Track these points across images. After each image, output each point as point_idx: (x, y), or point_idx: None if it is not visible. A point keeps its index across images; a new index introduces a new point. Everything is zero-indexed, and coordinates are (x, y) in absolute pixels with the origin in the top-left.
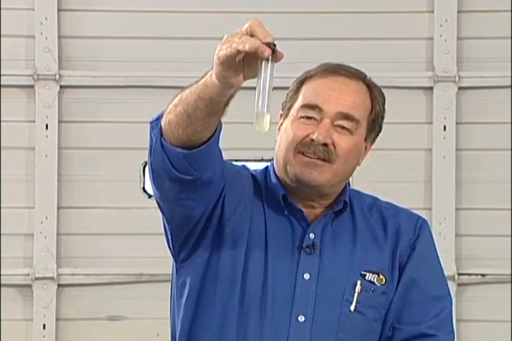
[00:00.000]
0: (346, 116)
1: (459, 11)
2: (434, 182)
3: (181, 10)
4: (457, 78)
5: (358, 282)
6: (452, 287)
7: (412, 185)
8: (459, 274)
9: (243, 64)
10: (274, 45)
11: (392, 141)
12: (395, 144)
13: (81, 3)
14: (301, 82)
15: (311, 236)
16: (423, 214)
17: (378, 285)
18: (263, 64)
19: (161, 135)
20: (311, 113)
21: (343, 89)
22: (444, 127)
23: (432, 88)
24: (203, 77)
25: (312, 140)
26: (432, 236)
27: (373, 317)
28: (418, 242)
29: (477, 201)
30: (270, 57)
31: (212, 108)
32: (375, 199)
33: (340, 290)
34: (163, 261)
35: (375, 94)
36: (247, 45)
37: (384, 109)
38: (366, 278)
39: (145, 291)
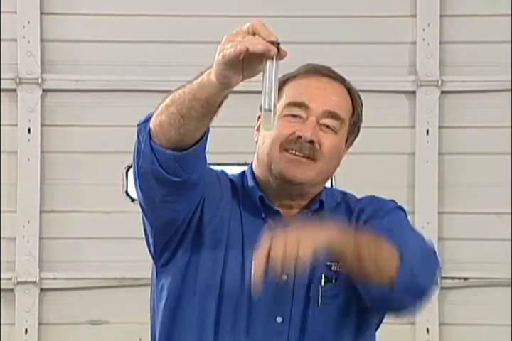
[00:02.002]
0: (332, 115)
1: (441, 15)
2: (417, 186)
3: (165, 13)
4: (440, 82)
5: (323, 275)
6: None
7: (395, 189)
8: (442, 278)
9: (242, 63)
10: (278, 44)
11: (375, 144)
12: (377, 148)
13: (64, 6)
14: (283, 82)
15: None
16: None
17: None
18: (268, 63)
19: (150, 137)
20: (296, 111)
21: (328, 88)
22: (427, 131)
23: (414, 92)
24: (197, 77)
25: (299, 137)
26: (404, 215)
27: (341, 304)
28: (382, 211)
29: (460, 205)
30: (275, 56)
31: (207, 108)
32: (344, 193)
33: (312, 288)
34: (146, 265)
35: (355, 97)
36: (258, 45)
37: (362, 114)
38: (332, 268)
39: (127, 295)
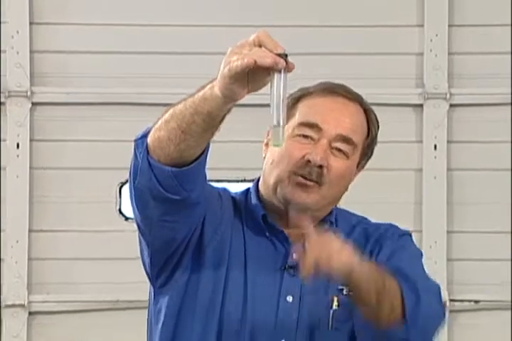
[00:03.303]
0: (345, 139)
1: (450, 25)
2: (425, 203)
3: (160, 23)
4: (448, 95)
5: (335, 298)
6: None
7: (401, 207)
8: (451, 300)
9: (247, 77)
10: (286, 56)
11: (381, 160)
12: (383, 164)
13: (54, 16)
14: (297, 99)
15: (295, 256)
16: (413, 236)
17: None
18: (275, 76)
19: (148, 153)
20: (308, 131)
21: (342, 110)
22: (435, 146)
23: (421, 105)
24: (199, 91)
25: (308, 161)
26: (415, 247)
27: (351, 329)
28: (397, 244)
29: (469, 223)
30: (283, 69)
31: (209, 123)
32: (363, 218)
33: (321, 311)
34: (141, 287)
35: (371, 118)
36: (267, 58)
37: (377, 136)
38: (344, 292)
39: (122, 319)
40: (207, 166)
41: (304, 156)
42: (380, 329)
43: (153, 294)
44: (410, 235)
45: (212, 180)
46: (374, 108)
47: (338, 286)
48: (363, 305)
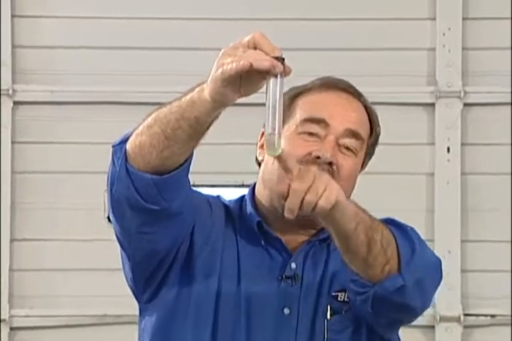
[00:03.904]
0: (354, 134)
1: (464, 18)
2: (437, 210)
3: (153, 16)
4: (462, 93)
5: (328, 307)
6: (458, 329)
7: (411, 214)
8: (466, 315)
9: (240, 80)
10: (283, 59)
11: (389, 164)
12: (392, 168)
13: (38, 8)
14: (295, 96)
15: (293, 266)
16: None
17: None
18: (271, 80)
19: (126, 159)
20: (315, 128)
21: (347, 105)
22: (448, 149)
23: (433, 104)
24: (186, 94)
25: (317, 157)
26: (418, 237)
27: (350, 337)
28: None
29: (485, 232)
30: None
31: (196, 129)
32: None
33: (318, 322)
34: (130, 301)
35: (373, 116)
36: (264, 61)
37: (379, 135)
38: (338, 298)
39: (109, 334)
40: (201, 170)
41: (310, 153)
42: (374, 282)
43: (139, 310)
44: (413, 229)
45: (206, 185)
46: (382, 108)
47: (332, 293)
48: (353, 255)
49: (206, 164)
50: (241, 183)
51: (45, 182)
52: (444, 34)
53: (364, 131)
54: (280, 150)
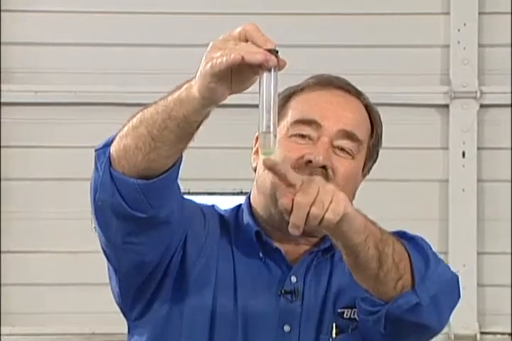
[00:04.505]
0: (349, 135)
1: (480, 13)
2: (451, 220)
3: (144, 11)
4: (478, 94)
5: (334, 325)
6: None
7: (423, 224)
8: (483, 333)
9: (231, 75)
10: (277, 52)
11: (400, 170)
12: (402, 174)
13: (23, 2)
14: (288, 97)
15: (293, 279)
16: None
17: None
18: (265, 75)
19: (110, 164)
20: (306, 130)
21: (343, 103)
22: (463, 153)
23: (447, 106)
24: (173, 92)
25: (309, 161)
26: (431, 250)
27: None
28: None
29: (503, 244)
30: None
31: (184, 129)
32: None
33: (323, 339)
34: (119, 318)
35: (374, 115)
36: (256, 54)
37: (382, 135)
38: (344, 315)
39: None
40: (196, 176)
41: (303, 156)
42: (386, 299)
43: (128, 328)
44: (423, 239)
45: (203, 193)
46: (391, 109)
47: (337, 309)
48: (362, 270)
49: (202, 170)
50: (239, 191)
51: (31, 190)
52: (458, 30)
53: (362, 131)
54: (276, 151)
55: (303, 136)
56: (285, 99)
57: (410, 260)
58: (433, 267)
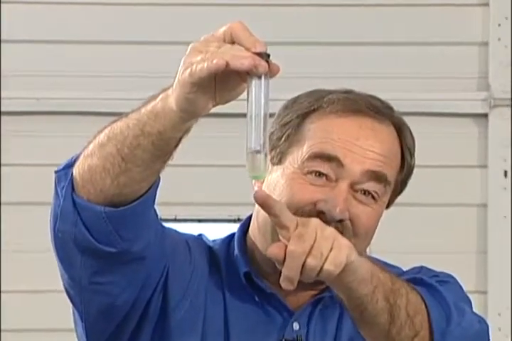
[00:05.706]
0: (376, 177)
1: None
2: (490, 252)
3: (136, 2)
4: None
5: None
6: None
7: (458, 257)
8: None
9: (215, 83)
10: (268, 56)
11: (430, 193)
12: (434, 198)
13: None
14: (305, 115)
15: (295, 326)
16: (475, 298)
17: None
18: (253, 82)
19: (73, 188)
20: (325, 168)
21: (371, 137)
22: (505, 173)
23: (486, 115)
24: (147, 103)
25: (321, 212)
26: (460, 289)
27: None
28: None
29: None
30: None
31: (160, 147)
32: (395, 268)
33: None
34: None
35: (407, 142)
36: (243, 59)
37: (414, 166)
38: None
39: None
40: (185, 200)
41: (315, 203)
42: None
43: None
44: (453, 278)
45: (193, 220)
46: (418, 120)
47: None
48: (370, 327)
49: (191, 192)
50: (236, 218)
51: None
52: (499, 25)
53: (391, 170)
54: (265, 174)
55: (320, 175)
56: (301, 117)
57: (428, 312)
58: (455, 318)
